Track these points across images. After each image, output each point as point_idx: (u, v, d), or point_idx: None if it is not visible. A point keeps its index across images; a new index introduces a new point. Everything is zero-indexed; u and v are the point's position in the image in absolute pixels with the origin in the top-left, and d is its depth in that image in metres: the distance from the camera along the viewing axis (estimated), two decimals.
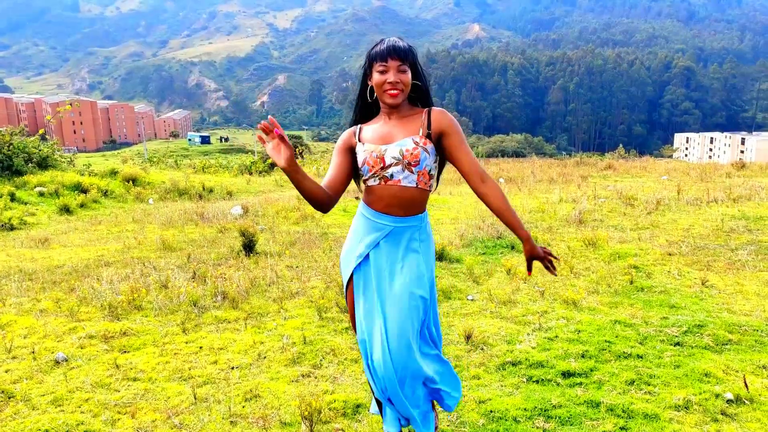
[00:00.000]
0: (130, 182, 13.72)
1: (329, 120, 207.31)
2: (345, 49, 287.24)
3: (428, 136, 2.33)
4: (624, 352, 3.53)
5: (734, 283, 4.92)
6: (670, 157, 68.60)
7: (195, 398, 3.13)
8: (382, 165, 2.31)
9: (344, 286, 2.51)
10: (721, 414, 2.81)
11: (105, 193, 12.46)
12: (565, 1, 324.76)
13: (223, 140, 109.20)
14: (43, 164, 13.99)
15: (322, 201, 2.31)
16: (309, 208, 9.75)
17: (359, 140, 2.42)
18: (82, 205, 11.30)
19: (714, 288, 4.82)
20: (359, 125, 2.49)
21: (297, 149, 23.83)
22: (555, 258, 2.37)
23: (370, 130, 2.43)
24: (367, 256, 2.40)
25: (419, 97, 2.44)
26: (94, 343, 3.96)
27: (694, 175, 13.56)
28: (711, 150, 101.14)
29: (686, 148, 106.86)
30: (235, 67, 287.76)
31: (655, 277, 5.18)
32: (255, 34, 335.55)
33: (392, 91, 2.28)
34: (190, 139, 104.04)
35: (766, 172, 13.85)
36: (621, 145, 23.71)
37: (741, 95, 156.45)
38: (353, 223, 2.52)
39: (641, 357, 3.47)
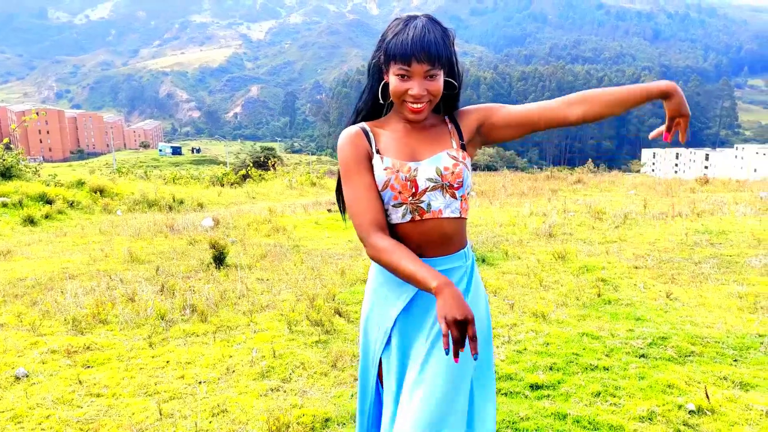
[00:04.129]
0: (98, 193, 13.48)
1: (303, 132, 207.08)
2: (319, 62, 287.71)
3: (464, 148, 1.77)
4: (591, 365, 3.58)
5: (697, 296, 5.03)
6: (638, 171, 70.07)
7: (160, 414, 3.08)
8: (414, 191, 1.67)
9: (373, 368, 1.83)
10: (684, 425, 2.86)
11: (71, 204, 12.22)
12: (537, 18, 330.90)
13: (194, 151, 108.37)
14: (7, 174, 13.67)
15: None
16: (280, 221, 9.70)
17: (376, 150, 1.72)
18: (47, 216, 11.06)
19: (678, 300, 4.92)
20: (365, 124, 1.78)
21: (269, 161, 23.72)
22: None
23: (386, 138, 1.75)
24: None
25: (451, 94, 1.79)
26: (57, 358, 3.87)
27: (660, 189, 13.85)
28: (677, 165, 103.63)
29: (653, 163, 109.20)
30: (208, 78, 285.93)
31: (621, 290, 5.27)
32: (228, 44, 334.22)
33: (415, 105, 1.66)
34: (160, 150, 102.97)
35: (728, 187, 14.22)
36: (590, 160, 24.10)
37: (705, 112, 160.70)
38: (372, 279, 1.84)
39: (607, 369, 3.52)
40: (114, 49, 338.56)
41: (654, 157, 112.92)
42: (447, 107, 1.82)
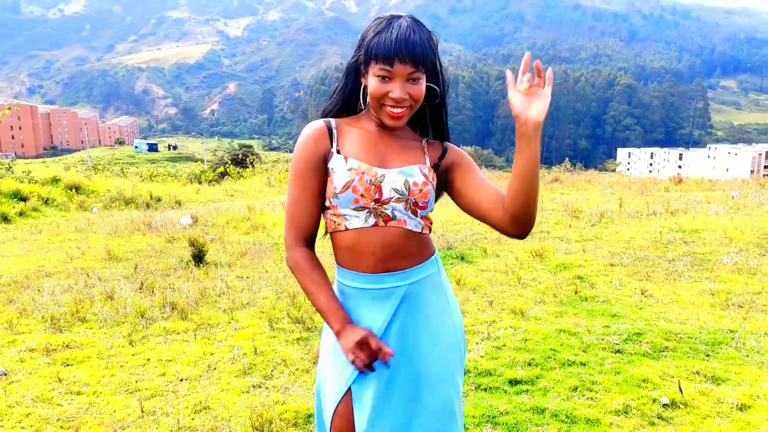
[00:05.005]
0: (73, 190, 13.28)
1: (281, 129, 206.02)
2: (297, 59, 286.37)
3: (436, 167, 1.66)
4: (568, 360, 3.65)
5: (671, 293, 5.15)
6: (614, 170, 71.03)
7: (142, 411, 3.07)
8: (378, 197, 1.56)
9: (330, 410, 1.64)
10: (658, 418, 2.94)
11: (46, 201, 12.03)
12: (515, 18, 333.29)
13: (171, 148, 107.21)
14: None
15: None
16: (259, 219, 9.67)
17: (337, 150, 1.61)
18: (21, 214, 10.88)
19: (652, 297, 5.03)
20: (333, 120, 1.67)
21: (248, 159, 23.57)
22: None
23: (354, 138, 1.64)
24: None
25: (432, 103, 1.68)
26: (35, 357, 3.83)
27: (635, 188, 14.08)
28: (651, 164, 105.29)
29: (629, 163, 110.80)
30: (185, 74, 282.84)
31: (598, 288, 5.37)
32: (205, 41, 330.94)
33: (395, 110, 1.56)
34: (136, 147, 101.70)
35: (701, 187, 14.51)
36: (567, 159, 24.41)
37: (679, 113, 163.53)
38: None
39: (584, 364, 3.59)
40: (88, 44, 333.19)
41: (629, 156, 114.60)
42: (433, 125, 1.72)
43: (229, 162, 23.19)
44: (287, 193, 1.65)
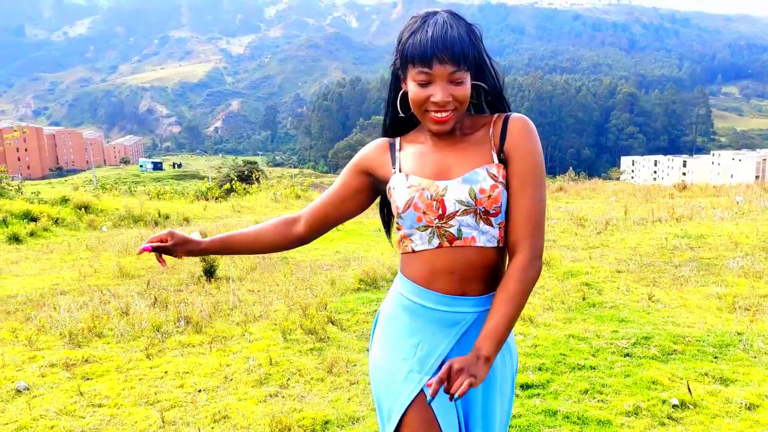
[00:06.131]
0: (83, 209, 13.43)
1: (284, 145, 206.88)
2: (299, 75, 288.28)
3: (503, 161, 1.49)
4: (578, 364, 3.71)
5: (678, 298, 5.20)
6: (618, 179, 70.98)
7: (163, 421, 3.15)
8: (441, 212, 1.45)
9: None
10: (668, 418, 3.00)
11: (56, 221, 12.17)
12: (514, 30, 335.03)
13: (176, 166, 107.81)
14: None
15: (273, 242, 1.64)
16: None
17: (398, 168, 1.53)
18: (32, 234, 11.01)
19: (660, 302, 5.08)
20: (397, 139, 1.60)
21: (253, 175, 23.73)
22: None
23: (412, 153, 1.55)
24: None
25: (487, 100, 1.57)
26: (56, 371, 3.92)
27: (639, 196, 14.13)
28: (655, 172, 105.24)
29: (632, 171, 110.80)
30: (188, 93, 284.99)
31: (605, 294, 5.43)
32: (208, 59, 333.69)
33: (438, 115, 1.43)
34: (141, 166, 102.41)
35: (706, 193, 14.56)
36: (571, 168, 24.51)
37: (681, 120, 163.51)
38: (387, 314, 1.58)
39: (594, 368, 3.65)
40: (92, 65, 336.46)
41: (633, 164, 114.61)
42: (493, 107, 1.58)
43: (235, 178, 23.35)
44: None
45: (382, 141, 1.59)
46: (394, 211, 1.52)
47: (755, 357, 3.74)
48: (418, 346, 1.49)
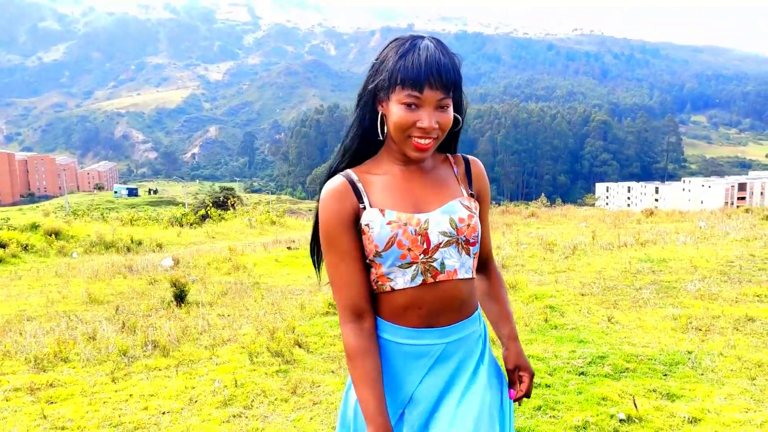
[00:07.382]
0: (53, 236, 13.31)
1: (262, 172, 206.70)
2: (278, 102, 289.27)
3: (472, 197, 1.55)
4: (534, 383, 3.84)
5: (636, 319, 5.38)
6: (592, 205, 72.03)
7: None
8: (426, 247, 1.43)
9: None
10: None
11: (25, 248, 12.06)
12: (491, 58, 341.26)
13: (151, 192, 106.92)
14: None
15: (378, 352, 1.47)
16: (241, 259, 9.80)
17: (368, 203, 1.45)
18: (0, 261, 10.90)
19: (618, 324, 5.25)
20: (351, 171, 1.50)
21: (229, 201, 23.70)
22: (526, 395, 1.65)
23: (381, 185, 1.48)
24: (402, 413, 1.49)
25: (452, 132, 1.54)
26: (20, 396, 3.93)
27: (608, 221, 14.45)
28: (629, 198, 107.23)
29: (607, 197, 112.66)
30: (165, 119, 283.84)
31: (567, 316, 5.59)
32: (186, 85, 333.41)
33: (422, 141, 1.41)
34: (116, 192, 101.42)
35: (672, 218, 14.94)
36: (543, 194, 24.93)
37: (653, 147, 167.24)
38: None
39: (549, 386, 3.78)
40: (67, 90, 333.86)
41: (608, 191, 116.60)
42: (445, 145, 1.59)
43: (210, 204, 23.31)
44: (326, 264, 1.50)
45: (340, 184, 1.47)
46: (370, 250, 1.43)
47: (702, 374, 3.90)
48: (401, 387, 1.49)
